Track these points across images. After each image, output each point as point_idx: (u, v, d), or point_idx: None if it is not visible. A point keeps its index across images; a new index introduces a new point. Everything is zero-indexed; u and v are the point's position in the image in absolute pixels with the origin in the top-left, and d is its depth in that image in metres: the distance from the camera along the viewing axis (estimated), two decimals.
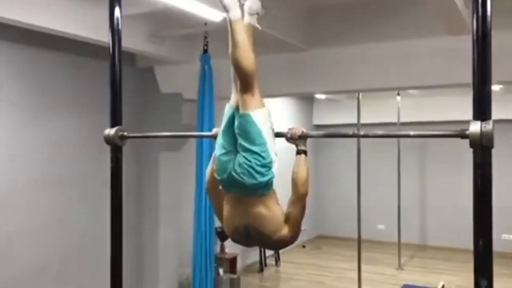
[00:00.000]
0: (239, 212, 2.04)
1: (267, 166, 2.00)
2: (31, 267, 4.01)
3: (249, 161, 1.95)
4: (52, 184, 4.20)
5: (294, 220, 2.09)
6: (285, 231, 2.08)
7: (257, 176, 1.96)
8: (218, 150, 2.08)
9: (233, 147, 2.05)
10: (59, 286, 4.26)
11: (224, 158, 2.03)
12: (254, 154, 1.96)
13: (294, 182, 2.15)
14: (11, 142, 3.88)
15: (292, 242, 2.13)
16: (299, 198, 2.12)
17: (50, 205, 4.19)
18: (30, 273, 4.00)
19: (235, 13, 2.05)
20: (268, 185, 2.02)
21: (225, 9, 2.04)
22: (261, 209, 2.02)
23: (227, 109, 2.22)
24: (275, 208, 2.07)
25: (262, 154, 1.98)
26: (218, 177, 2.05)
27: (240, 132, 2.01)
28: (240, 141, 2.00)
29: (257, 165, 1.95)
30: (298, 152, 2.20)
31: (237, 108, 2.13)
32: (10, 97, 3.87)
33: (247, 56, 2.05)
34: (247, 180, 1.94)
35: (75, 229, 4.40)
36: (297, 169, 2.15)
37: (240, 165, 1.95)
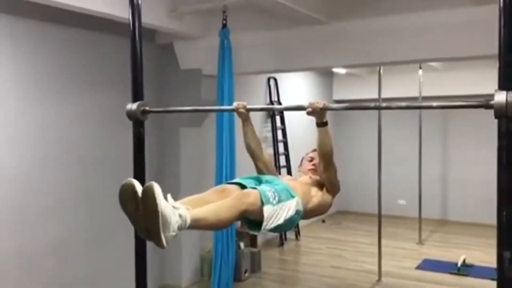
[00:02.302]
0: None
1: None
2: (58, 243, 4.12)
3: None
4: (76, 161, 4.28)
5: (332, 183, 2.57)
6: (328, 197, 2.57)
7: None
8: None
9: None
10: (85, 262, 4.38)
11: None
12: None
13: (322, 153, 2.44)
14: (31, 121, 3.94)
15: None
16: (329, 164, 2.49)
17: (75, 182, 4.27)
18: (57, 249, 4.11)
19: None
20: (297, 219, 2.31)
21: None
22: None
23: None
24: (316, 198, 2.48)
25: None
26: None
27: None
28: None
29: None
30: (319, 125, 2.28)
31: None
32: (34, 74, 3.92)
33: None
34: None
35: (100, 206, 4.49)
36: (322, 140, 2.38)
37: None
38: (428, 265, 6.09)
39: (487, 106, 1.44)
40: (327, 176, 2.53)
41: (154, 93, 5.03)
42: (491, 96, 1.40)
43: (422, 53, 4.03)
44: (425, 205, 7.40)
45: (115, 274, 4.57)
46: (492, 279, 4.72)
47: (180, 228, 1.71)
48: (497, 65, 1.41)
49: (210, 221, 1.87)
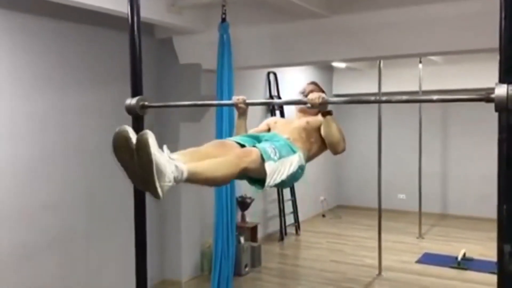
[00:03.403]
0: None
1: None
2: (58, 238, 4.13)
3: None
4: (76, 156, 4.28)
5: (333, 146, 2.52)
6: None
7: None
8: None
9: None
10: (85, 256, 4.38)
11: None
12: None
13: (330, 144, 2.45)
14: (31, 115, 3.94)
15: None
16: (335, 153, 2.51)
17: (75, 175, 4.27)
18: (57, 244, 4.12)
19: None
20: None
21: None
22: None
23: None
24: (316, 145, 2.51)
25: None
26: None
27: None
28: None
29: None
30: (323, 114, 2.26)
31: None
32: (33, 69, 3.91)
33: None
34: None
35: (100, 200, 4.50)
36: (328, 131, 2.39)
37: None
38: (428, 259, 6.10)
39: (488, 100, 1.44)
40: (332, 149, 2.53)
41: (153, 88, 5.02)
42: (492, 89, 1.39)
43: (423, 46, 4.01)
44: (425, 199, 7.41)
45: (116, 268, 4.58)
46: (492, 273, 4.73)
47: (176, 180, 1.67)
48: (498, 58, 1.40)
49: (208, 176, 1.83)
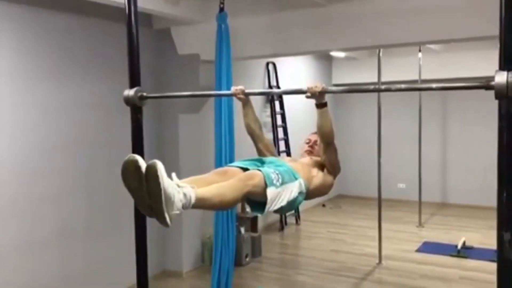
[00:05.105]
0: None
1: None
2: (58, 231, 4.13)
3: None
4: (75, 148, 4.27)
5: (332, 165, 2.57)
6: (329, 178, 2.58)
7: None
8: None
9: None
10: (86, 249, 4.39)
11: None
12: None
13: (323, 134, 2.45)
14: (30, 108, 3.93)
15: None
16: (329, 145, 2.50)
17: (74, 169, 4.27)
18: (57, 237, 4.12)
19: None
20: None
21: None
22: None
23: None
24: (317, 179, 2.50)
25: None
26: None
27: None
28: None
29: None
30: (318, 106, 2.28)
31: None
32: (32, 61, 3.90)
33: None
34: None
35: (100, 192, 4.50)
36: (322, 121, 2.38)
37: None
38: (428, 247, 6.13)
39: (488, 87, 1.43)
40: (327, 157, 2.55)
41: (152, 79, 5.00)
42: (492, 77, 1.38)
43: (422, 34, 3.99)
44: (425, 188, 7.42)
45: (117, 260, 4.59)
46: (492, 261, 4.75)
47: (184, 207, 1.70)
48: (498, 46, 1.39)
49: (215, 201, 1.87)
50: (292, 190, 2.20)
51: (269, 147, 2.75)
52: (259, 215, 2.20)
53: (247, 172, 2.12)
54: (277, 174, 2.12)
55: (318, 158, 2.66)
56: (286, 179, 2.16)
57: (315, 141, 2.75)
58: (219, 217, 4.28)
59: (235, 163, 2.35)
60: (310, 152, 2.75)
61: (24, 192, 3.86)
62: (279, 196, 2.10)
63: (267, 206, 2.07)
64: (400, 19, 3.92)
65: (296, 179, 2.25)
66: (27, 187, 3.89)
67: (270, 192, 2.04)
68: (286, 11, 4.36)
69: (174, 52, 5.06)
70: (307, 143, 2.81)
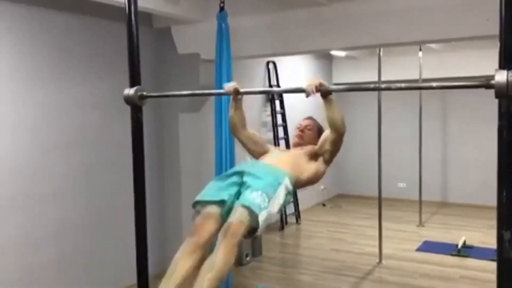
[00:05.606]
0: None
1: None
2: (58, 229, 4.13)
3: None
4: (75, 146, 4.27)
5: (334, 155, 2.55)
6: (322, 166, 2.55)
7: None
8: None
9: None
10: (85, 247, 4.39)
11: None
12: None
13: (336, 128, 2.44)
14: (31, 107, 3.93)
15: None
16: (340, 137, 2.49)
17: (74, 168, 4.26)
18: (57, 234, 4.13)
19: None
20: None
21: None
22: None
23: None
24: (307, 171, 2.48)
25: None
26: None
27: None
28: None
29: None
30: (324, 96, 2.25)
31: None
32: (32, 60, 3.89)
33: None
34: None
35: (100, 190, 4.49)
36: (331, 114, 2.38)
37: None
38: (429, 247, 6.12)
39: (488, 86, 1.43)
40: (333, 148, 2.50)
41: (152, 78, 5.00)
42: (492, 76, 1.38)
43: (423, 34, 3.99)
44: (425, 187, 7.41)
45: (116, 259, 4.59)
46: (493, 260, 4.75)
47: None
48: (498, 45, 1.39)
49: (221, 277, 1.94)
50: (279, 198, 2.15)
51: (251, 136, 2.66)
52: (252, 237, 2.17)
53: (230, 227, 2.00)
54: (261, 194, 2.04)
55: (309, 148, 2.59)
56: (271, 193, 2.10)
57: (306, 126, 2.69)
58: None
59: (208, 199, 2.30)
60: (300, 138, 2.69)
61: (24, 191, 3.86)
62: (269, 214, 2.06)
63: (259, 229, 2.04)
64: (401, 18, 3.92)
65: (280, 184, 2.18)
66: (27, 186, 3.89)
67: (262, 216, 2.00)
68: (287, 10, 4.36)
69: (174, 51, 5.05)
70: (298, 127, 2.75)
